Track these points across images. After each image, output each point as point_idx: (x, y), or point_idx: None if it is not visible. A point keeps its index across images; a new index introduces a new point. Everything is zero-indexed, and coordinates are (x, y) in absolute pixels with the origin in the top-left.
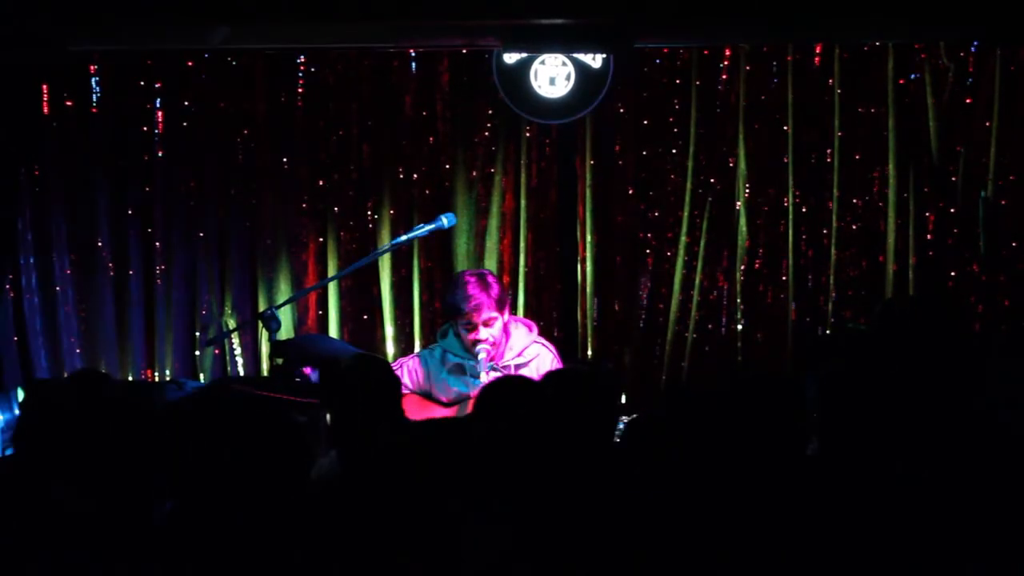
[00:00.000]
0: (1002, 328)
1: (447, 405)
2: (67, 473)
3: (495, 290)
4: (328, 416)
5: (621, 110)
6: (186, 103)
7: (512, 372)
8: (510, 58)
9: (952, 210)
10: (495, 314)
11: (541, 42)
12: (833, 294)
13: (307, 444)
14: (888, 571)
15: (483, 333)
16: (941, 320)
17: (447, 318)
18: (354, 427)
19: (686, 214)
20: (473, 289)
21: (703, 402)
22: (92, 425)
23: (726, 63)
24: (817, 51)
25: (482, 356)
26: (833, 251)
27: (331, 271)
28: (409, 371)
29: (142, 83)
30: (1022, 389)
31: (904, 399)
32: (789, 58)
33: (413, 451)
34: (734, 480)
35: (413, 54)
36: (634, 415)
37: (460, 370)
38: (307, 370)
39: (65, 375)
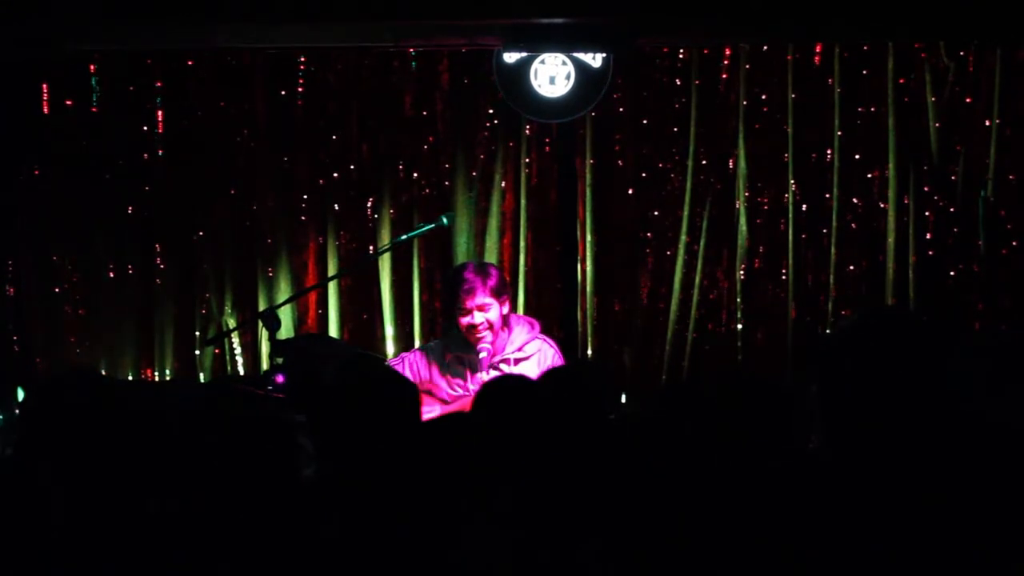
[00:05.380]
0: (1002, 327)
1: (447, 403)
2: (67, 473)
3: (493, 279)
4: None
5: (621, 110)
6: (186, 103)
7: (512, 366)
8: (510, 57)
9: (952, 209)
10: (489, 300)
11: (541, 42)
12: (833, 293)
13: (305, 443)
14: (886, 570)
15: (477, 318)
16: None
17: (449, 309)
18: (349, 439)
19: (686, 214)
20: (469, 274)
21: (700, 400)
22: (92, 425)
23: (726, 63)
24: (817, 51)
25: (483, 355)
26: (833, 251)
27: (331, 271)
28: (410, 364)
29: (142, 83)
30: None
31: (893, 401)
32: (789, 58)
33: (416, 452)
34: (730, 477)
35: (413, 54)
36: (629, 409)
37: (459, 362)
38: (278, 378)
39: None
